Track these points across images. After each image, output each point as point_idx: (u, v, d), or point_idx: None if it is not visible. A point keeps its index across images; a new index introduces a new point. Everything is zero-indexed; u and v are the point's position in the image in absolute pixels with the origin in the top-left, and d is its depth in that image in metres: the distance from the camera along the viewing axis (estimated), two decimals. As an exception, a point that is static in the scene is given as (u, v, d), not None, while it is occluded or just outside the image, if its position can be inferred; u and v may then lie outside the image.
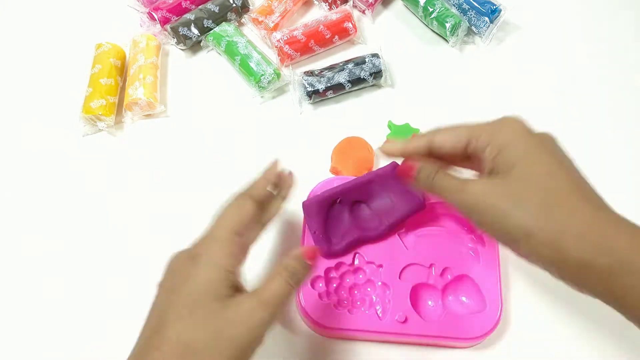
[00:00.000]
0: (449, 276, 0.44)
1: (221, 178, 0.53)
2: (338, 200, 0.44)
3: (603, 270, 0.29)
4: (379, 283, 0.43)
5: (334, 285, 0.44)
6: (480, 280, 0.43)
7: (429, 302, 0.44)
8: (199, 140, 0.56)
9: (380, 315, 0.42)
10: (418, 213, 0.44)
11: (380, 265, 0.44)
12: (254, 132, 0.56)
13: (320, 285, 0.43)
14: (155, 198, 0.52)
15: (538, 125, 0.61)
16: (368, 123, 0.56)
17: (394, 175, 0.42)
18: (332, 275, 0.44)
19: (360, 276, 0.45)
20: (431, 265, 0.44)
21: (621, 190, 0.52)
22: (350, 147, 0.53)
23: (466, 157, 0.36)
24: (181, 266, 0.34)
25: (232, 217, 0.35)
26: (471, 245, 0.45)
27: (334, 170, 0.53)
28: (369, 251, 0.44)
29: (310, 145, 0.55)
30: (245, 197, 0.37)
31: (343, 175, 0.47)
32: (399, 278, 0.43)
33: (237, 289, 0.33)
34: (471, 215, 0.34)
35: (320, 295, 0.43)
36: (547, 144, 0.34)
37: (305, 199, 0.45)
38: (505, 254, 0.45)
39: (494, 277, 0.43)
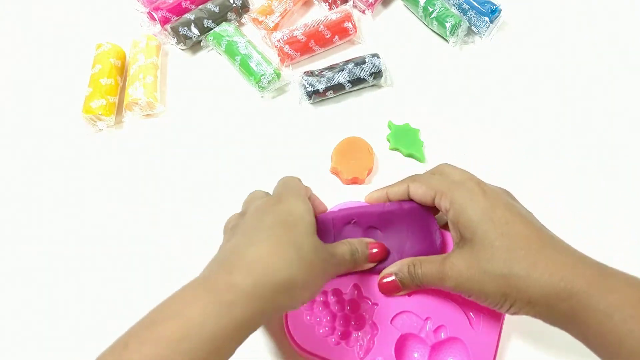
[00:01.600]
0: (442, 335, 0.41)
1: (221, 178, 0.53)
2: (353, 221, 0.42)
3: (567, 312, 0.32)
4: (370, 322, 0.41)
5: (319, 308, 0.42)
6: (474, 350, 0.40)
7: (415, 354, 0.41)
8: (198, 141, 0.56)
9: (361, 354, 0.40)
10: None
11: (376, 304, 0.42)
12: (253, 132, 0.56)
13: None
14: (155, 198, 0.52)
15: (538, 126, 0.61)
16: (368, 123, 0.56)
17: (418, 215, 0.42)
18: (320, 299, 0.42)
19: (348, 308, 0.42)
20: (427, 319, 0.41)
21: (621, 191, 0.53)
22: (350, 147, 0.53)
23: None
24: (268, 202, 0.36)
25: (300, 185, 0.40)
26: (475, 311, 0.42)
27: (334, 170, 0.53)
28: (368, 285, 0.42)
29: (310, 145, 0.55)
30: (302, 183, 0.41)
31: (364, 202, 0.45)
32: (391, 322, 0.41)
33: None
34: (458, 292, 0.37)
35: (306, 315, 0.41)
36: (499, 201, 0.37)
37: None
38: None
39: (489, 352, 0.40)
